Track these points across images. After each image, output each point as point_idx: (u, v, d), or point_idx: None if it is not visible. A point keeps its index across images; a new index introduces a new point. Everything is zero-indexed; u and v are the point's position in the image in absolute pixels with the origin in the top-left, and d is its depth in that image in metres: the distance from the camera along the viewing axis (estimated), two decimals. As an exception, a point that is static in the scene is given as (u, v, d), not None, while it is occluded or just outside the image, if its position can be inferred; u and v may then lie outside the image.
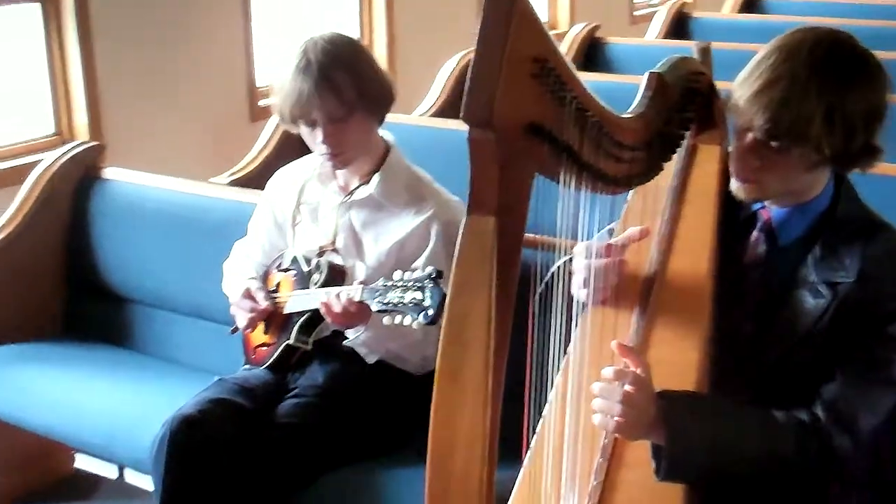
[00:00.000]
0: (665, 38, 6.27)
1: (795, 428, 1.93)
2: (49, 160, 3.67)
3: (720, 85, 2.26)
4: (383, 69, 2.79)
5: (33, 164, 3.72)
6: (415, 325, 2.35)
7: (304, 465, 2.59)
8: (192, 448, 2.53)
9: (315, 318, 2.68)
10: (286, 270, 2.82)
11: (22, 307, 3.57)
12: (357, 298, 2.48)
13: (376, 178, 2.75)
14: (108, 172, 3.68)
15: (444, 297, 2.28)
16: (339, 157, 2.70)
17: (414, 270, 2.41)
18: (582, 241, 1.97)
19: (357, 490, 2.61)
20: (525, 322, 1.80)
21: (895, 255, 1.99)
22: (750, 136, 1.94)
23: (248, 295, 2.78)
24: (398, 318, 2.38)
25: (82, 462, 3.06)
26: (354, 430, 2.69)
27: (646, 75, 2.03)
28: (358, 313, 2.51)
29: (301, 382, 2.76)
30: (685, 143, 2.19)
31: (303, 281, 2.74)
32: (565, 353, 1.96)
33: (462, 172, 2.98)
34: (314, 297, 2.63)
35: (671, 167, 2.18)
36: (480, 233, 1.56)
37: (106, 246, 3.59)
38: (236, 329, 2.91)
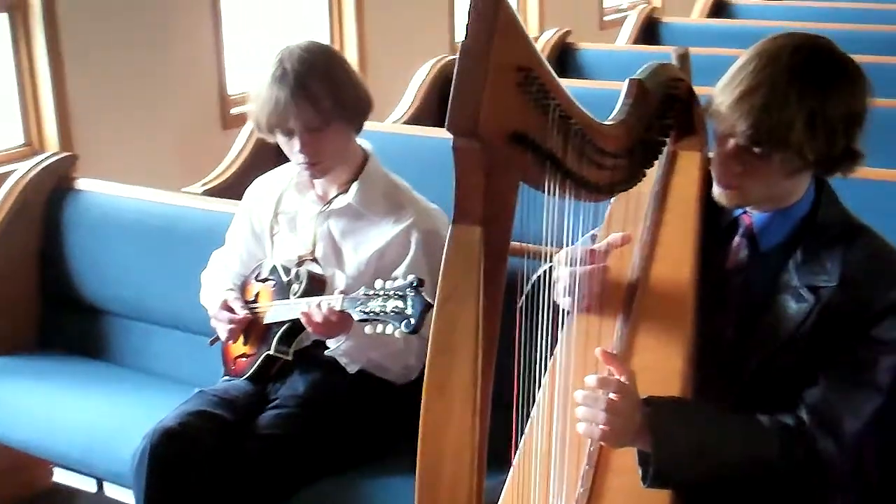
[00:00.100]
0: (635, 43, 6.29)
1: (780, 432, 1.94)
2: (21, 171, 3.63)
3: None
4: (360, 77, 2.78)
5: (4, 176, 3.69)
6: (397, 334, 2.34)
7: (285, 476, 2.58)
8: (174, 461, 2.51)
9: (295, 328, 2.67)
10: (265, 280, 2.81)
11: (-6, 320, 3.54)
12: (338, 308, 2.46)
13: (355, 186, 2.74)
14: (81, 183, 3.65)
15: (425, 305, 2.30)
16: (317, 166, 2.69)
17: (395, 279, 2.41)
18: (566, 248, 1.98)
19: (339, 501, 2.60)
20: (510, 330, 1.80)
21: (876, 259, 2.01)
22: (732, 142, 1.95)
23: (226, 306, 2.76)
24: (380, 327, 2.37)
25: (61, 476, 3.04)
26: (336, 440, 2.68)
27: (626, 82, 2.04)
28: (339, 323, 2.50)
29: (282, 393, 2.75)
30: (666, 149, 2.19)
31: (282, 291, 2.73)
32: (550, 360, 1.96)
33: (437, 179, 2.99)
34: (294, 307, 2.61)
35: (652, 173, 2.18)
36: (467, 242, 1.55)
37: (80, 257, 3.56)
38: (215, 340, 2.89)
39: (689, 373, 1.97)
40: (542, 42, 5.63)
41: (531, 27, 7.55)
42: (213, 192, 3.92)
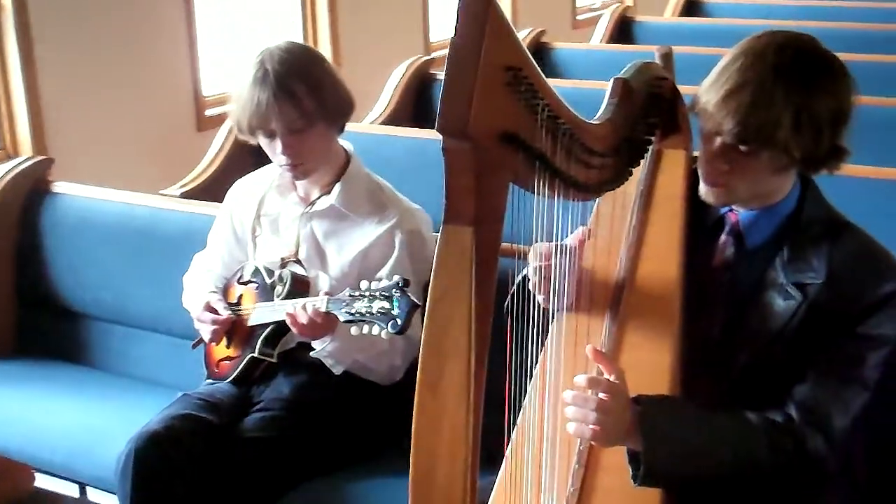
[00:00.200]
0: (609, 42, 6.31)
1: (769, 429, 1.95)
2: (-4, 175, 3.60)
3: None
4: (341, 77, 2.77)
5: (-21, 180, 3.66)
6: (383, 335, 2.34)
7: (272, 478, 2.57)
8: (159, 465, 2.49)
9: (279, 330, 2.66)
10: (247, 283, 2.79)
11: (-28, 326, 3.51)
12: (323, 309, 2.45)
13: (337, 187, 2.73)
14: (58, 186, 3.62)
15: (411, 305, 2.30)
16: (299, 167, 2.68)
17: (379, 280, 2.40)
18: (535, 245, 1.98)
19: (327, 503, 2.59)
20: (500, 330, 1.80)
21: (862, 255, 2.02)
22: (718, 140, 1.96)
23: (209, 308, 2.75)
24: (366, 328, 2.36)
25: (43, 481, 3.02)
26: (322, 442, 2.67)
27: (611, 81, 2.04)
28: (324, 324, 2.49)
29: (267, 395, 2.73)
30: (651, 148, 2.20)
31: (265, 293, 2.72)
32: (539, 359, 1.97)
33: (415, 179, 3.00)
34: (279, 309, 2.60)
35: (638, 172, 2.18)
36: (458, 243, 1.55)
37: (58, 261, 3.53)
38: (198, 342, 2.87)
39: (678, 370, 1.98)
40: (517, 41, 5.63)
41: (504, 27, 7.52)
42: (190, 194, 3.91)
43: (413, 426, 1.58)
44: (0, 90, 4.23)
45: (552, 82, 1.66)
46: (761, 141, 1.89)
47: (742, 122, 1.88)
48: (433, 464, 1.57)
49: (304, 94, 2.60)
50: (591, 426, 1.79)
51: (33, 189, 3.62)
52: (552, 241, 1.92)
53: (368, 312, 2.35)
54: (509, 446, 1.94)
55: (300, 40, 5.67)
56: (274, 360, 2.71)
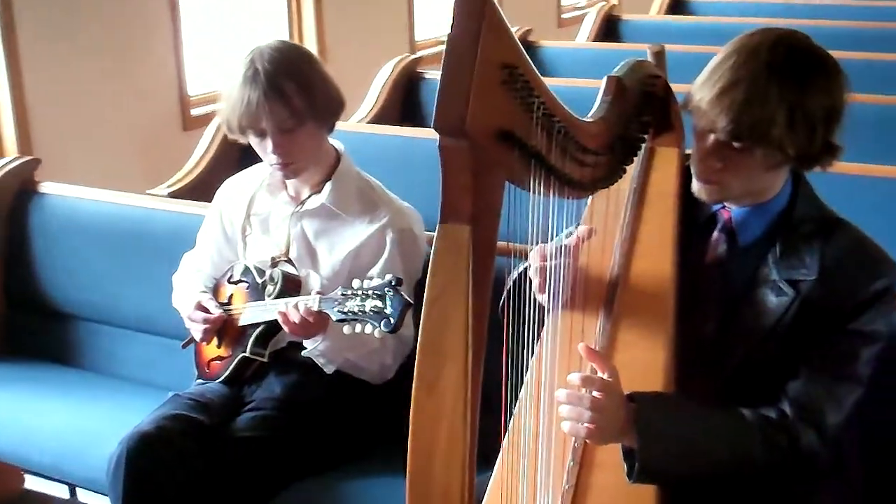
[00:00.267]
0: (595, 40, 6.31)
1: (763, 425, 1.95)
2: (-17, 175, 3.58)
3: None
4: (331, 76, 2.76)
5: (-35, 180, 3.63)
6: (376, 334, 2.33)
7: (264, 478, 2.56)
8: (151, 465, 2.47)
9: (271, 329, 2.65)
10: (237, 282, 2.78)
11: (-41, 327, 3.49)
12: (315, 308, 2.45)
13: (328, 186, 2.72)
14: (45, 187, 3.60)
15: (404, 304, 2.30)
16: (290, 166, 2.67)
17: (371, 279, 2.40)
18: (538, 245, 1.98)
19: (319, 502, 2.58)
20: (495, 329, 1.80)
21: (854, 252, 2.03)
22: (712, 137, 1.96)
23: (200, 307, 2.74)
24: (359, 327, 2.36)
25: (32, 483, 3.00)
26: (315, 441, 2.66)
27: (604, 79, 2.04)
28: (316, 323, 2.48)
29: (258, 395, 2.72)
30: (644, 146, 2.20)
31: (256, 292, 2.71)
32: (533, 357, 1.97)
33: (403, 177, 2.99)
34: (270, 308, 2.60)
35: (630, 170, 2.18)
36: (455, 241, 1.54)
37: (46, 261, 3.52)
38: (188, 342, 2.87)
39: (671, 368, 1.98)
40: (503, 40, 5.61)
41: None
42: (178, 194, 3.90)
43: (410, 425, 1.57)
44: (-15, 90, 4.22)
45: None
46: (755, 138, 1.89)
47: (736, 119, 1.89)
48: (430, 463, 1.57)
49: (294, 93, 2.59)
50: (585, 425, 1.79)
51: (21, 189, 3.60)
52: (546, 240, 1.91)
53: (361, 311, 2.34)
54: (503, 444, 1.94)
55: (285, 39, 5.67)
56: (265, 359, 2.70)
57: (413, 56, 5.21)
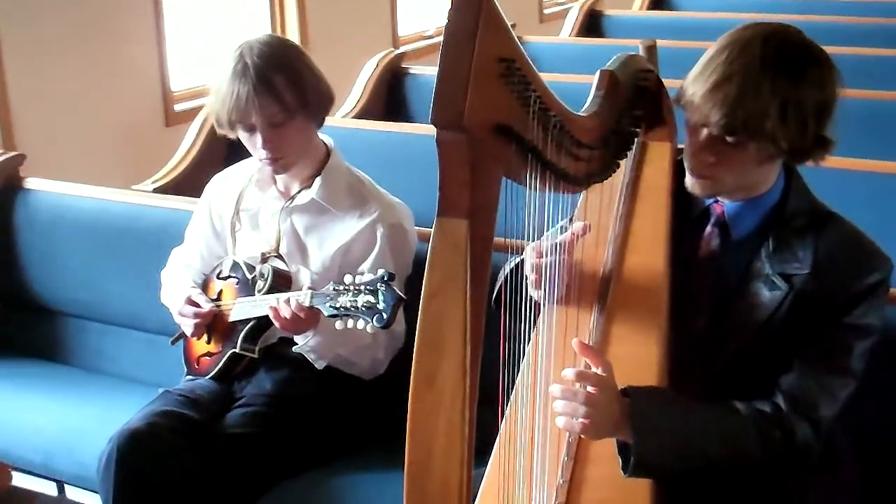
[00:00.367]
0: (578, 35, 6.32)
1: (757, 419, 1.95)
2: (-33, 172, 3.55)
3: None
4: (320, 70, 2.75)
5: (-50, 177, 3.61)
6: (369, 329, 2.33)
7: (256, 474, 2.55)
8: (142, 462, 2.46)
9: (261, 325, 2.64)
10: (227, 278, 2.77)
11: (-55, 324, 3.46)
12: (307, 304, 2.44)
13: (318, 181, 2.71)
14: (31, 182, 3.58)
15: (397, 299, 2.29)
16: (280, 161, 2.66)
17: (362, 274, 2.39)
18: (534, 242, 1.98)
19: (311, 498, 2.57)
20: (488, 322, 1.80)
21: (847, 245, 2.03)
22: (705, 131, 1.96)
23: (190, 302, 2.73)
24: (351, 322, 2.35)
25: (20, 480, 2.98)
26: (306, 437, 2.66)
27: (597, 73, 2.04)
28: (307, 319, 2.47)
29: (248, 391, 2.71)
30: (637, 140, 2.20)
31: (246, 288, 2.70)
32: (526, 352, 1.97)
33: (388, 173, 2.98)
34: (261, 304, 2.59)
35: (623, 165, 2.19)
36: (453, 235, 1.54)
37: (32, 258, 3.49)
38: (178, 338, 2.86)
39: (665, 362, 1.99)
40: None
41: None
42: (163, 190, 3.88)
43: (409, 419, 1.57)
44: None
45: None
46: (749, 132, 1.90)
47: (729, 113, 1.89)
48: (429, 457, 1.57)
49: (284, 87, 2.58)
50: (580, 420, 1.80)
51: (6, 185, 3.57)
52: (542, 235, 1.91)
53: (353, 307, 2.33)
54: (498, 438, 1.94)
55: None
56: (255, 355, 2.69)
57: (397, 51, 5.21)
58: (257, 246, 2.77)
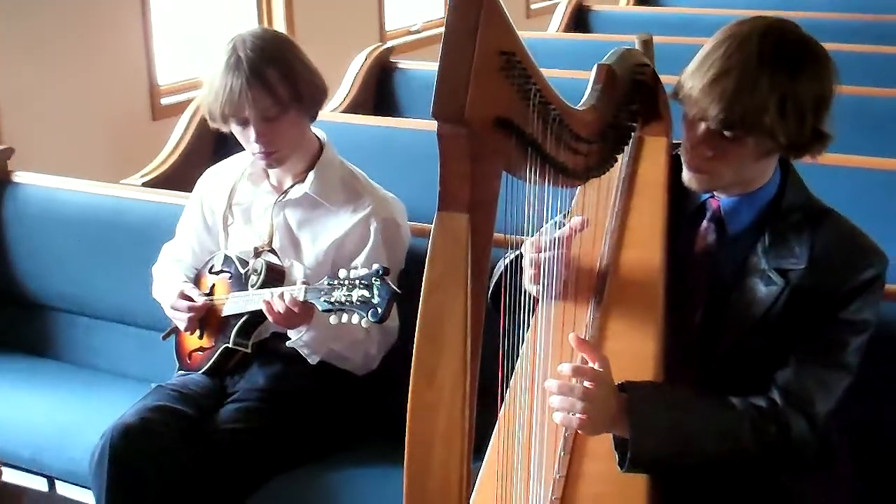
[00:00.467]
0: (565, 31, 6.31)
1: (754, 414, 1.95)
2: (-45, 166, 3.52)
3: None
4: (313, 64, 2.73)
5: (-63, 170, 3.58)
6: (363, 324, 2.32)
7: (249, 470, 2.54)
8: (135, 457, 2.44)
9: (254, 319, 2.63)
10: (219, 272, 2.76)
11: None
12: (301, 298, 2.43)
13: (311, 176, 2.70)
14: (19, 176, 3.55)
15: (392, 294, 2.28)
16: (273, 155, 2.64)
17: (356, 268, 2.38)
18: (532, 237, 1.97)
19: (305, 493, 2.57)
20: (486, 319, 1.79)
21: (843, 241, 2.03)
22: (703, 126, 1.96)
23: (184, 296, 2.71)
24: (345, 317, 2.34)
25: (10, 475, 2.96)
26: (299, 432, 2.65)
27: (595, 67, 2.04)
28: (301, 314, 2.46)
29: (241, 386, 2.70)
30: (633, 135, 2.20)
31: (239, 282, 2.68)
32: (523, 346, 1.96)
33: (378, 167, 2.97)
34: (255, 299, 2.57)
35: (620, 159, 2.18)
36: (454, 229, 1.53)
37: (20, 252, 3.47)
38: (169, 333, 2.84)
39: (661, 358, 1.98)
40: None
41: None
42: (152, 184, 3.85)
43: (408, 415, 1.56)
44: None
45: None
46: (747, 127, 1.89)
47: (727, 108, 1.89)
48: (429, 453, 1.56)
49: (277, 80, 2.57)
50: (577, 415, 1.79)
51: (-6, 179, 3.56)
52: (539, 230, 1.91)
53: (348, 301, 2.33)
54: (494, 433, 1.94)
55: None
56: (248, 350, 2.68)
57: (386, 45, 5.19)
58: (250, 240, 2.76)
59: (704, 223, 2.12)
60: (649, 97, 2.22)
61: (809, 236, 2.03)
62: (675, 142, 2.23)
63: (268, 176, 2.77)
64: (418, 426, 1.56)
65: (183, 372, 2.81)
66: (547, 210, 1.84)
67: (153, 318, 3.02)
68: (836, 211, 2.09)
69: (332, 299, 2.35)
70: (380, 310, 2.29)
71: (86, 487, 2.72)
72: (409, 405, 1.56)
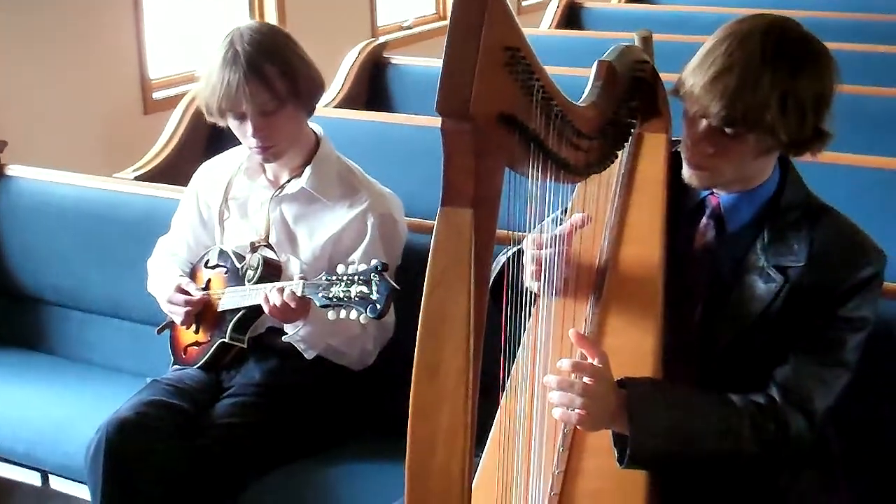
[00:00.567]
0: (557, 28, 6.32)
1: (752, 411, 1.96)
2: (-51, 159, 3.51)
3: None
4: (310, 58, 2.73)
5: (-71, 163, 3.57)
6: (362, 319, 2.31)
7: (245, 464, 2.54)
8: (131, 452, 2.44)
9: (250, 314, 2.63)
10: (215, 267, 2.75)
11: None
12: (299, 293, 2.42)
13: (308, 170, 2.69)
14: (12, 170, 3.54)
15: (390, 289, 2.28)
16: (270, 150, 2.64)
17: (353, 264, 2.38)
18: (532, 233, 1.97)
19: (301, 488, 2.56)
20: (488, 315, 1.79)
21: (842, 239, 2.04)
22: (704, 123, 1.96)
23: (181, 290, 2.70)
24: (343, 313, 2.34)
25: (3, 470, 2.96)
26: (295, 427, 2.65)
27: (595, 64, 2.03)
28: (298, 308, 2.46)
29: (237, 381, 2.70)
30: (633, 131, 2.20)
31: (235, 277, 2.68)
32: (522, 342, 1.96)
33: (373, 163, 2.97)
34: (252, 293, 2.57)
35: (620, 156, 2.18)
36: (458, 225, 1.52)
37: (14, 246, 3.46)
38: (164, 327, 2.83)
39: (660, 354, 1.99)
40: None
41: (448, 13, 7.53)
42: (145, 178, 3.85)
43: (410, 411, 1.55)
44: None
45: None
46: (748, 124, 1.90)
47: (729, 105, 1.89)
48: (431, 445, 1.55)
49: (275, 75, 2.56)
50: (576, 411, 1.80)
51: (-14, 173, 3.54)
52: (541, 225, 1.91)
53: (346, 297, 2.32)
54: (494, 428, 1.94)
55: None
56: (244, 345, 2.67)
57: (379, 41, 5.19)
58: (246, 235, 2.75)
59: (704, 220, 2.12)
60: (649, 94, 2.22)
61: (808, 234, 2.03)
62: (674, 139, 2.23)
63: (264, 170, 2.76)
64: (420, 423, 1.55)
65: (178, 367, 2.80)
66: (548, 206, 1.84)
67: (147, 313, 3.01)
68: (835, 209, 2.09)
69: (331, 295, 2.34)
70: (378, 306, 2.28)
71: (80, 482, 2.72)
72: (411, 401, 1.55)
